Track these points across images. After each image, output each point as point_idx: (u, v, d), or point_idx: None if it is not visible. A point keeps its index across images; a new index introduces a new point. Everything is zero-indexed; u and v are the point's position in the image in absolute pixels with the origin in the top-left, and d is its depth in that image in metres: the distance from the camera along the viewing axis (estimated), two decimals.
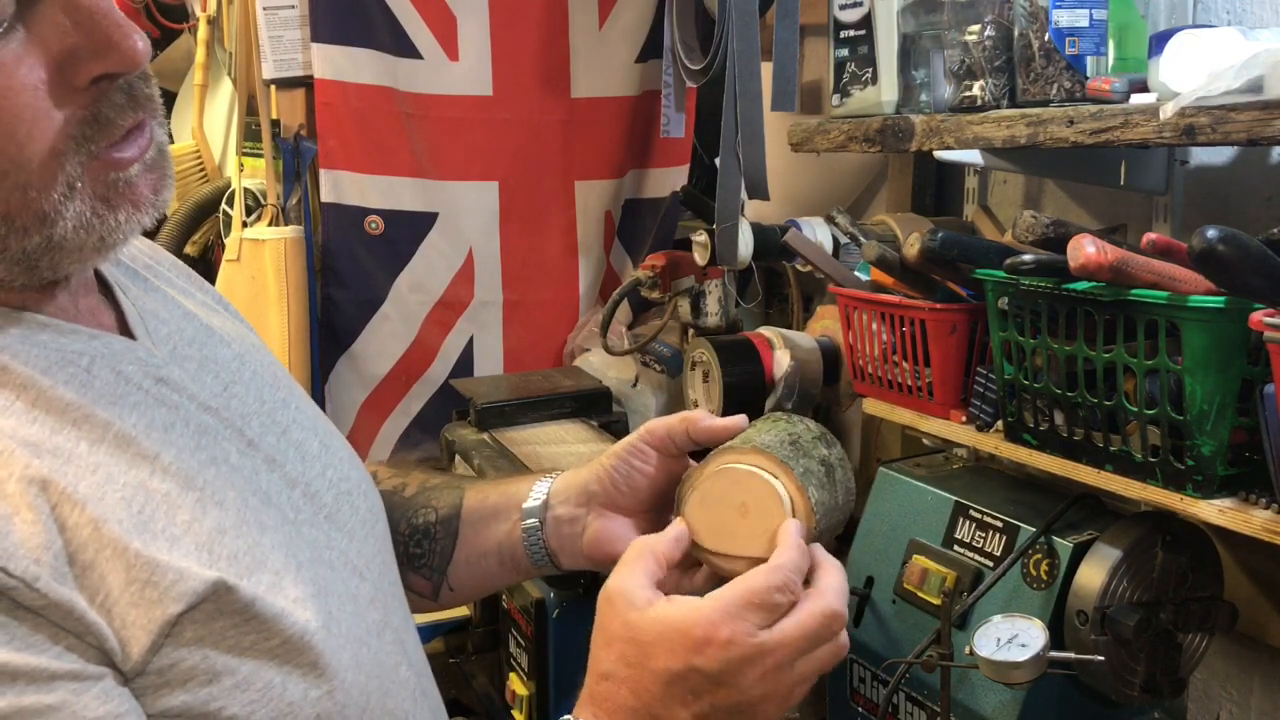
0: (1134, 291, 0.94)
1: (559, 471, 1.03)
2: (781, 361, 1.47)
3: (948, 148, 1.22)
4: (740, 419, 0.94)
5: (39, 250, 0.66)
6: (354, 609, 0.78)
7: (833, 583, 0.80)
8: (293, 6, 1.98)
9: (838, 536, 1.94)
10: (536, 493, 1.01)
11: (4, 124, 0.62)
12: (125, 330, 0.77)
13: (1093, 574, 1.02)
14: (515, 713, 1.45)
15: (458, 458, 1.77)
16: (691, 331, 1.79)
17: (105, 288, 0.80)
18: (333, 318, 2.06)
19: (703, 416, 0.95)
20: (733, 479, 0.85)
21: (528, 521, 1.00)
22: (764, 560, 0.80)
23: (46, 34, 0.63)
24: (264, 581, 0.70)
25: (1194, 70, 0.96)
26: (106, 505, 0.65)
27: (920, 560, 1.16)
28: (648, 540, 0.83)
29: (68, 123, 0.65)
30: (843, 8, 1.36)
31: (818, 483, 0.87)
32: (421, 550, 1.03)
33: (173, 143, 2.15)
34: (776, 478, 0.85)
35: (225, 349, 0.84)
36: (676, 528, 0.84)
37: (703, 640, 0.74)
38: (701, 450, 0.94)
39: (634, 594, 0.78)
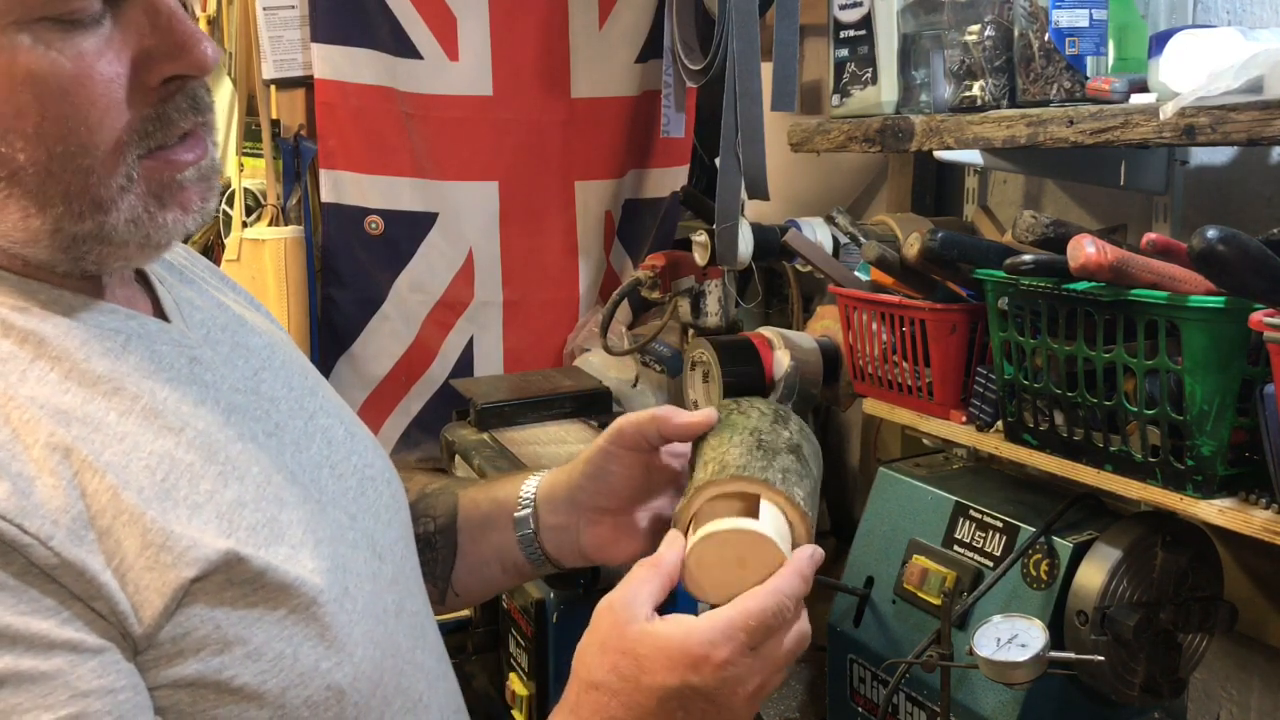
0: (1134, 291, 0.94)
1: (543, 472, 1.05)
2: (781, 361, 1.47)
3: (948, 148, 1.22)
4: (710, 412, 0.94)
5: (89, 238, 0.69)
6: (372, 588, 0.79)
7: (805, 623, 0.82)
8: (293, 6, 1.97)
9: (838, 537, 1.94)
10: (524, 499, 1.03)
11: (80, 108, 0.66)
12: (161, 316, 0.80)
13: (1093, 574, 1.02)
14: (515, 713, 1.45)
15: (458, 458, 1.77)
16: (691, 331, 1.79)
17: (142, 279, 0.82)
18: (333, 318, 2.06)
19: (673, 414, 0.95)
20: (720, 541, 0.82)
21: (521, 532, 1.02)
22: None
23: (129, 32, 0.67)
24: (280, 554, 0.71)
25: (1194, 70, 0.96)
26: (130, 473, 0.67)
27: (920, 560, 1.16)
28: (658, 559, 0.83)
29: (135, 118, 0.68)
30: (843, 8, 1.36)
31: (796, 477, 0.87)
32: (425, 559, 1.04)
33: None
34: (762, 503, 0.84)
35: (256, 338, 0.87)
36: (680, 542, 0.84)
37: (700, 659, 0.75)
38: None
39: (635, 608, 0.78)
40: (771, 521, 0.83)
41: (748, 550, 0.82)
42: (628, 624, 0.77)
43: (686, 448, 0.98)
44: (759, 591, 0.78)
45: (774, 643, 0.78)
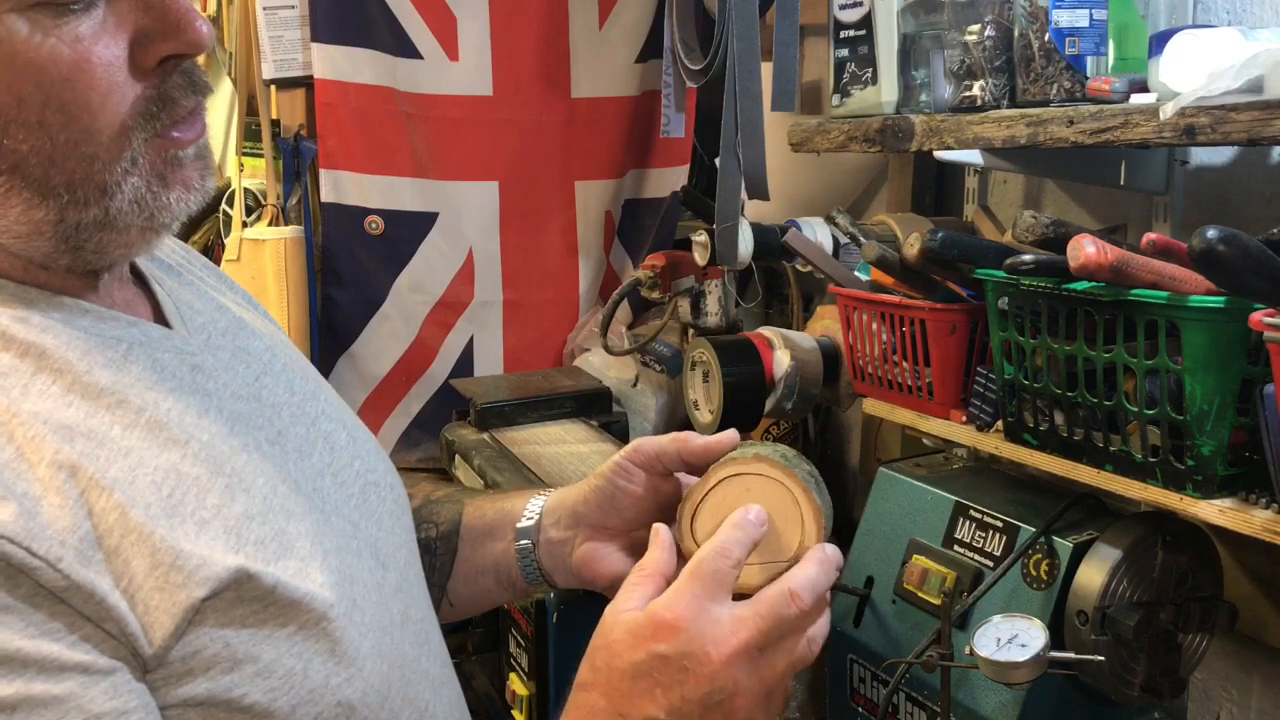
0: (1134, 291, 0.94)
1: (552, 490, 1.03)
2: (781, 361, 1.46)
3: (948, 148, 1.22)
4: (732, 434, 0.92)
5: (92, 225, 0.69)
6: (378, 598, 0.79)
7: (804, 570, 0.80)
8: (293, 6, 1.98)
9: (838, 537, 1.94)
10: (530, 512, 1.01)
11: (80, 94, 0.65)
12: (161, 320, 0.79)
13: (1093, 574, 1.02)
14: (515, 713, 1.45)
15: (458, 458, 1.77)
16: (691, 331, 1.79)
17: (140, 281, 0.81)
18: (333, 318, 2.06)
19: (694, 436, 0.93)
20: (744, 486, 0.85)
21: (521, 542, 1.00)
22: (784, 564, 0.82)
23: (122, 13, 0.67)
24: (289, 568, 0.71)
25: (1194, 70, 0.96)
26: (136, 489, 0.66)
27: (920, 560, 1.16)
28: (645, 562, 0.82)
29: (137, 100, 0.68)
30: (843, 8, 1.36)
31: (815, 487, 0.88)
32: (424, 566, 1.03)
33: None
34: (783, 483, 0.85)
35: (257, 341, 0.86)
36: (662, 537, 0.83)
37: (659, 624, 0.75)
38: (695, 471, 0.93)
39: (621, 610, 0.78)
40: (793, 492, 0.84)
41: (766, 503, 0.83)
42: (611, 617, 0.78)
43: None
44: (708, 543, 0.79)
45: (747, 602, 0.77)
